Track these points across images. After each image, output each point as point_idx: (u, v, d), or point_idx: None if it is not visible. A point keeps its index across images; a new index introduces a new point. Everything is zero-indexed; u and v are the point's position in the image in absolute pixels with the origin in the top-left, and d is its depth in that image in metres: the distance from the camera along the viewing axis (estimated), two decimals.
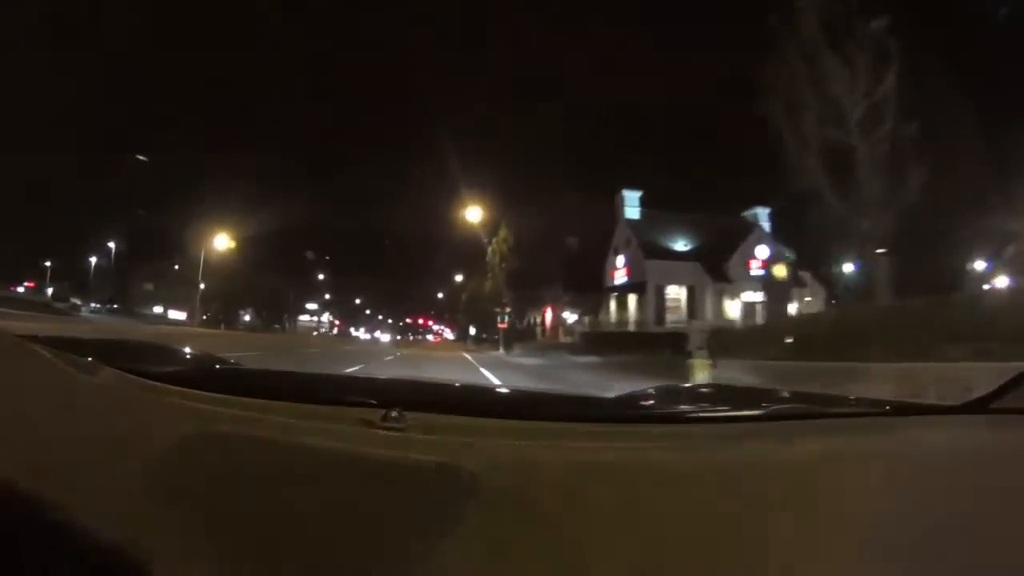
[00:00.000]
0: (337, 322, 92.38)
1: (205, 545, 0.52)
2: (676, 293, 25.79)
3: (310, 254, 57.65)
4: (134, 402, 0.81)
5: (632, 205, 28.23)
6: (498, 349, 28.08)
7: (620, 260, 28.07)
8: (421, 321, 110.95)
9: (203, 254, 41.08)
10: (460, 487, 0.59)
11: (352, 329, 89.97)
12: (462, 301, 49.52)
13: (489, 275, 29.98)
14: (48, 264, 51.03)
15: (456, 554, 0.51)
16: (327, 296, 79.57)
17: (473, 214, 26.28)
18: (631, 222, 27.82)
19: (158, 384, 0.88)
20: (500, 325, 26.82)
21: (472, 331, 47.60)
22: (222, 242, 43.01)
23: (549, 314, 38.56)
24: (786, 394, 1.13)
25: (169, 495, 0.58)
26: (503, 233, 28.22)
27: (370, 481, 0.60)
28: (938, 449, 0.77)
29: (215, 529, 0.54)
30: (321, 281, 63.86)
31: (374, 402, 0.80)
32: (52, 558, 0.49)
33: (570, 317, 32.47)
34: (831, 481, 0.65)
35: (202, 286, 46.94)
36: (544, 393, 1.19)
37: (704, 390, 1.47)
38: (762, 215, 29.32)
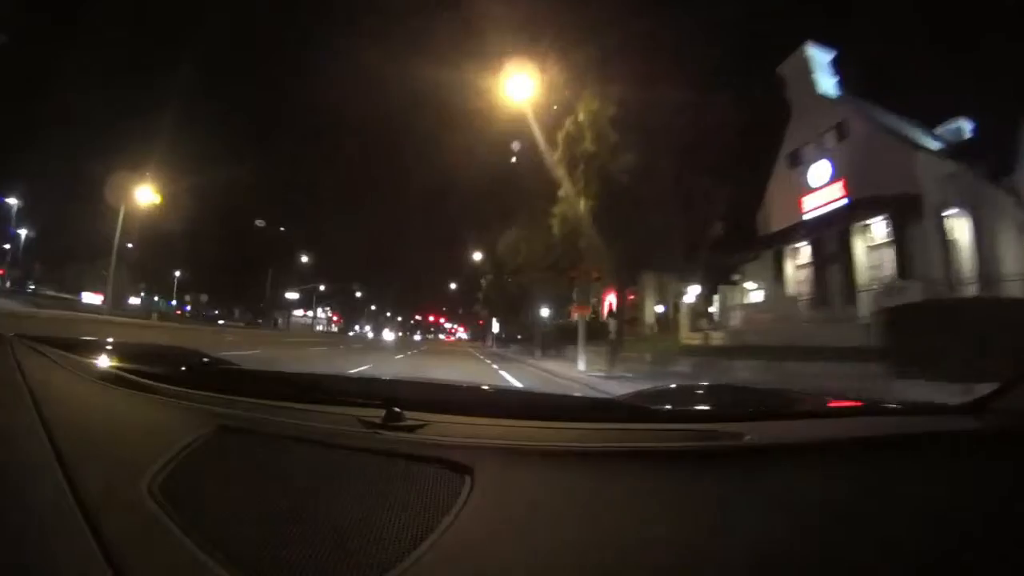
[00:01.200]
0: (335, 317, 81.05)
1: (207, 541, 0.53)
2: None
3: (259, 222, 44.25)
4: (136, 402, 0.83)
5: (823, 72, 14.27)
6: (553, 359, 14.58)
7: (819, 171, 13.69)
8: (432, 318, 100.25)
9: (122, 215, 27.88)
10: (460, 486, 0.59)
11: (357, 327, 79.82)
12: (482, 286, 36.12)
13: (560, 202, 13.91)
14: (8, 247, 43.33)
15: (456, 551, 0.52)
16: (322, 287, 67.50)
17: (518, 88, 12.10)
18: (832, 102, 13.79)
19: (160, 384, 0.89)
20: (578, 310, 12.58)
21: (495, 328, 34.06)
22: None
23: (612, 299, 25.02)
24: (787, 393, 1.14)
25: (171, 493, 0.59)
26: (591, 103, 13.17)
27: (371, 479, 0.61)
28: (938, 448, 0.75)
29: (216, 526, 0.54)
30: (308, 267, 50.35)
31: (375, 402, 0.80)
32: (57, 551, 0.52)
33: (683, 298, 18.53)
34: (831, 480, 0.65)
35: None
36: (544, 394, 1.18)
37: (705, 390, 1.32)
38: (966, 131, 15.37)
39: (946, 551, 0.55)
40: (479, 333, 71.60)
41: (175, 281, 50.28)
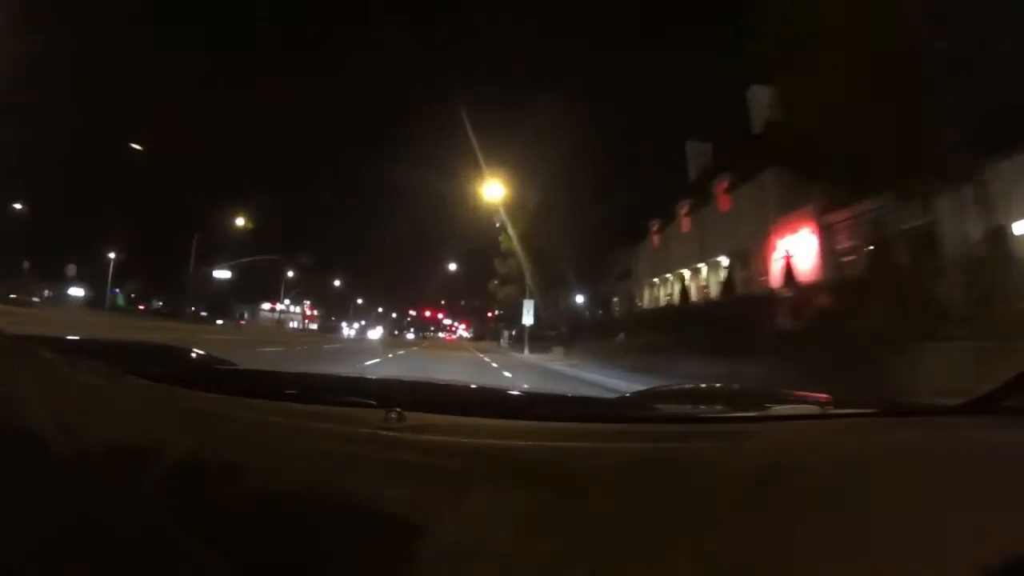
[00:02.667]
0: (310, 312, 67.18)
1: (206, 542, 0.53)
2: None
3: (135, 147, 29.40)
4: (136, 403, 0.83)
5: None
6: None
7: None
8: (428, 313, 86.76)
9: None
10: (460, 487, 0.60)
11: (344, 324, 67.11)
12: (500, 248, 21.91)
13: None
14: None
15: (456, 552, 0.52)
16: (289, 273, 53.74)
17: None
18: None
19: (160, 385, 0.89)
20: None
21: (528, 317, 19.41)
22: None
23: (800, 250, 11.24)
24: (787, 394, 1.13)
25: (171, 495, 0.59)
26: None
27: (371, 481, 0.62)
28: (939, 449, 0.76)
29: (216, 527, 0.55)
30: (247, 236, 35.61)
31: (375, 403, 0.80)
32: (55, 553, 0.52)
33: None
34: (832, 481, 0.66)
35: None
36: (545, 394, 1.17)
37: (705, 390, 1.28)
38: None
39: (946, 552, 0.56)
40: (484, 329, 58.32)
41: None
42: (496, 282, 27.34)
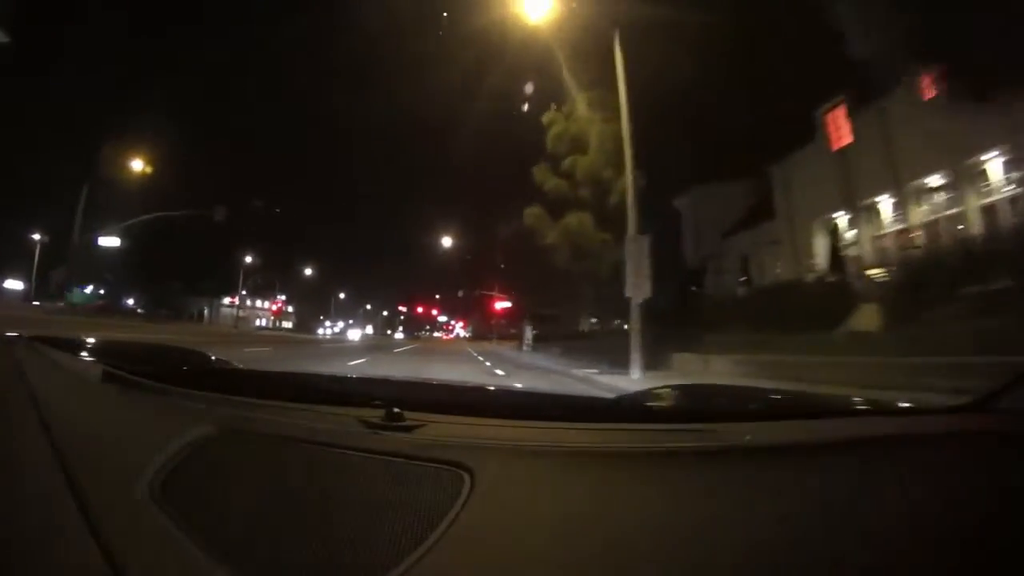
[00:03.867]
0: (278, 307, 56.61)
1: (207, 541, 0.53)
2: None
3: None
4: (136, 402, 0.84)
5: None
6: None
7: None
8: (421, 309, 76.56)
9: None
10: (460, 486, 0.60)
11: (328, 323, 57.65)
12: (554, 163, 11.74)
13: None
14: None
15: (456, 551, 0.53)
16: (247, 258, 43.42)
17: None
18: None
19: (160, 384, 0.90)
20: None
21: (638, 284, 8.58)
22: None
23: None
24: (788, 393, 1.10)
25: (171, 493, 0.60)
26: None
27: (370, 480, 0.62)
28: (938, 449, 0.76)
29: (216, 526, 0.55)
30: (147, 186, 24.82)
31: (375, 402, 0.80)
32: (57, 551, 0.53)
33: None
34: (832, 480, 0.66)
35: None
36: (543, 394, 1.18)
37: (706, 390, 1.31)
38: None
39: (946, 552, 0.56)
40: (485, 328, 48.73)
41: None
42: (535, 209, 13.43)
